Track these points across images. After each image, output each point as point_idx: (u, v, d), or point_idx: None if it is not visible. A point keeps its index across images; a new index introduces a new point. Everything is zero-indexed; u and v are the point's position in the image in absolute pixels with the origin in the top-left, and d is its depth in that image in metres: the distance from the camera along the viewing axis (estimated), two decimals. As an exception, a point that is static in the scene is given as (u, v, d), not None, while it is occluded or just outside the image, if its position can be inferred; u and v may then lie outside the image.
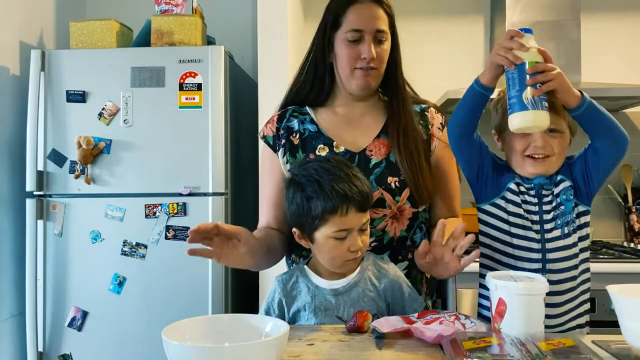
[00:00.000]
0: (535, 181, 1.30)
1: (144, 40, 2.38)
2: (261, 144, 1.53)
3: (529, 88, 1.14)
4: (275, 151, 1.49)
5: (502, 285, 1.10)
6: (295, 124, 1.49)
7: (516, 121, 1.17)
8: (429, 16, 2.91)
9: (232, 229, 1.23)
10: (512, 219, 1.31)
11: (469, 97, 1.25)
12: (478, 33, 2.91)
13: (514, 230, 1.31)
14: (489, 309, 1.34)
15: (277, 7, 2.37)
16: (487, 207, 1.34)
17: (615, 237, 2.73)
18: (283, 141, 1.47)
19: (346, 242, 1.21)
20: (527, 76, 1.15)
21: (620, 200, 2.71)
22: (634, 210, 2.66)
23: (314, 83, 1.49)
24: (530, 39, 1.18)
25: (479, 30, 2.91)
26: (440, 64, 2.83)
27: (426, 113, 1.50)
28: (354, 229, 1.21)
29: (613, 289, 1.04)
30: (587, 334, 1.30)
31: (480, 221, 1.37)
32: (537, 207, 1.30)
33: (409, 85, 1.51)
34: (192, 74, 2.22)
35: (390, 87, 1.49)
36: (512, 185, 1.31)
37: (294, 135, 1.48)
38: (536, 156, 1.27)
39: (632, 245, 2.58)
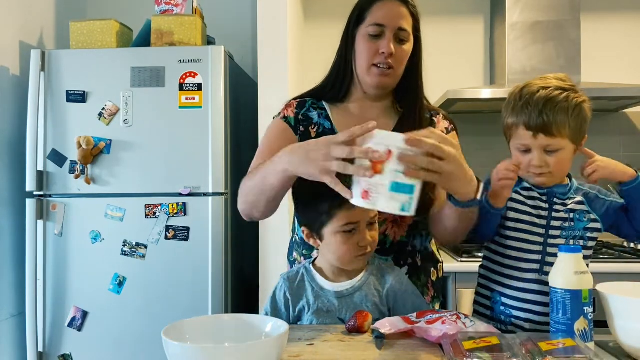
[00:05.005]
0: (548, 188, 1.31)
1: (144, 40, 2.38)
2: (277, 122, 1.47)
3: (581, 318, 1.06)
4: (295, 134, 1.45)
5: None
6: (315, 115, 1.47)
7: None
8: (429, 16, 2.88)
9: None
10: (522, 217, 1.31)
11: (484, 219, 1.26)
12: (478, 33, 2.91)
13: (521, 226, 1.31)
14: (486, 307, 1.35)
15: (277, 7, 2.37)
16: None
17: (615, 237, 2.72)
18: (302, 129, 1.45)
19: (355, 236, 1.21)
20: (584, 307, 1.06)
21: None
22: (634, 210, 2.65)
23: (336, 78, 1.47)
24: None
25: (479, 30, 2.91)
26: (440, 64, 2.83)
27: (434, 119, 1.49)
28: (362, 221, 1.21)
29: (602, 288, 1.07)
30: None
31: None
32: (547, 212, 1.31)
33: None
34: (192, 74, 2.21)
35: (407, 94, 1.46)
36: (522, 189, 1.33)
37: (313, 127, 1.46)
38: (535, 171, 1.28)
39: (632, 245, 2.58)
